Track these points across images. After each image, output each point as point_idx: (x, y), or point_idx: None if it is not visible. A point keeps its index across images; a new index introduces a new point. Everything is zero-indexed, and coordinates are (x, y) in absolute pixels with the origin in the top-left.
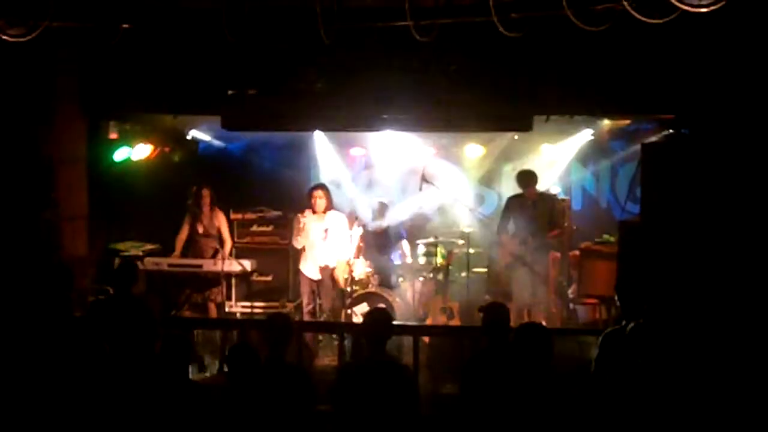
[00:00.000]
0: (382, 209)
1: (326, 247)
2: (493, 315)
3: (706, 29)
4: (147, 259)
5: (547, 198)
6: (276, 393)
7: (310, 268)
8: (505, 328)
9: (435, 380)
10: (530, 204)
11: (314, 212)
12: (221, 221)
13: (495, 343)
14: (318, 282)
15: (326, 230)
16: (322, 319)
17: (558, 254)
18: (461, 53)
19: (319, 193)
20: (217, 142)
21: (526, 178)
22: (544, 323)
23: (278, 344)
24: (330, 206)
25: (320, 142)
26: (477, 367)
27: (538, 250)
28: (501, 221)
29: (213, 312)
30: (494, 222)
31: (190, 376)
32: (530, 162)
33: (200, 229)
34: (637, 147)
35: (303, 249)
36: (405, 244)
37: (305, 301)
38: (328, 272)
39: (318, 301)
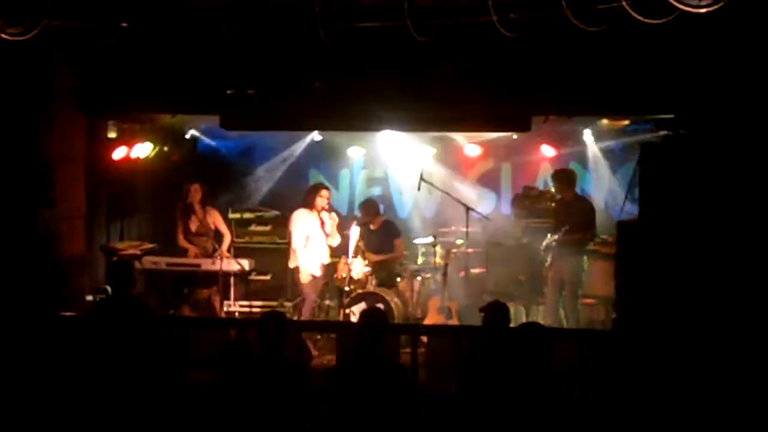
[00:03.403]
0: (367, 208)
1: (325, 244)
2: (494, 314)
3: (705, 30)
4: (145, 258)
5: (580, 200)
6: (272, 389)
7: (313, 265)
8: (505, 328)
9: (433, 380)
10: (566, 204)
11: (314, 209)
12: (216, 218)
13: (494, 342)
14: (317, 279)
15: (324, 228)
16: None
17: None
18: (460, 53)
19: (324, 192)
20: (214, 142)
21: (557, 177)
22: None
23: (273, 342)
24: (329, 205)
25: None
26: (475, 365)
27: (568, 250)
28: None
29: (218, 311)
30: (492, 222)
31: None
32: (528, 162)
33: (193, 228)
34: (636, 147)
35: (304, 247)
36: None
37: (312, 298)
38: (323, 269)
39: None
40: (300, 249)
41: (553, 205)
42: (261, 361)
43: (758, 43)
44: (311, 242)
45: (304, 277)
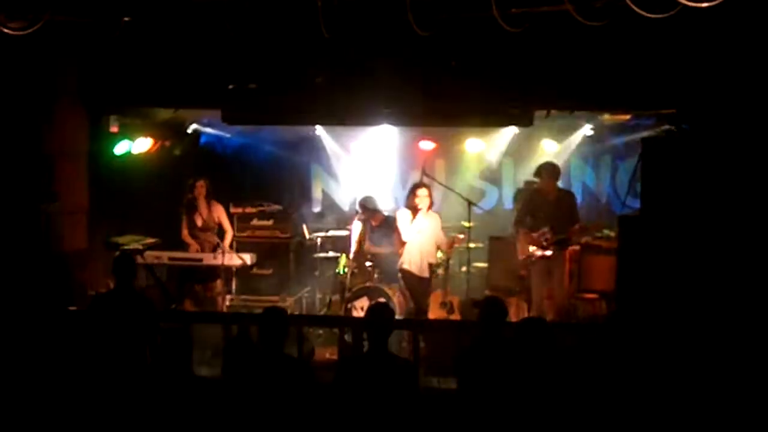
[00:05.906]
0: (366, 205)
1: (429, 244)
2: (489, 308)
3: (706, 24)
4: (147, 253)
5: (567, 194)
6: (275, 385)
7: (419, 266)
8: (500, 322)
9: (434, 375)
10: (552, 199)
11: (418, 209)
12: (220, 213)
13: (490, 336)
14: (425, 279)
15: (430, 227)
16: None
17: (577, 247)
18: (462, 48)
19: (420, 192)
20: (216, 137)
21: (546, 170)
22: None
23: (274, 337)
24: (432, 205)
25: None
26: (471, 360)
27: (559, 245)
28: (519, 214)
29: (220, 305)
30: (494, 216)
31: None
32: (530, 156)
33: (199, 223)
34: (638, 142)
35: (406, 247)
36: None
37: (403, 301)
38: (430, 269)
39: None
40: (403, 249)
41: (530, 199)
42: (262, 356)
43: (760, 38)
44: (412, 242)
45: (410, 278)
